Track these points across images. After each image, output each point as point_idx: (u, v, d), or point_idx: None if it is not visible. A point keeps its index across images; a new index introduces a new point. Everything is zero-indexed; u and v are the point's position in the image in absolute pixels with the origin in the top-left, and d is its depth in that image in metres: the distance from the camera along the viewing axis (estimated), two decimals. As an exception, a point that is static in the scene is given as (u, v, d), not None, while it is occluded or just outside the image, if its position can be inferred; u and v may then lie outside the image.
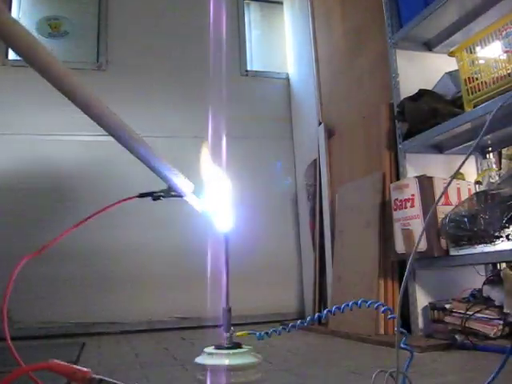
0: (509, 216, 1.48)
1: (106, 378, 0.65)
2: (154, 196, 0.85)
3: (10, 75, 2.97)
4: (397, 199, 1.91)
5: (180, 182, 0.83)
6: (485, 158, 2.03)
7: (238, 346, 0.87)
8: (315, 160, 2.93)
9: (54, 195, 2.91)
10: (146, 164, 0.77)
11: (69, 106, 0.64)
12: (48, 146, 2.97)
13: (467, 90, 1.71)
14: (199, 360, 0.87)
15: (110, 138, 0.70)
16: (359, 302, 0.83)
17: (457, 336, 1.62)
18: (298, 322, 0.88)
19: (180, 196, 0.84)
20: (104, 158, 2.98)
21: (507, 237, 1.49)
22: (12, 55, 3.11)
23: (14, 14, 3.17)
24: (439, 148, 2.06)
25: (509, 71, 1.55)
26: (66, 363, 0.62)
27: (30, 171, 2.88)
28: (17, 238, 2.79)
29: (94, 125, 0.66)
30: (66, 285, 2.79)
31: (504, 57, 1.58)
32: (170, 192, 0.84)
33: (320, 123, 2.94)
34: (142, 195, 0.85)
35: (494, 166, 1.97)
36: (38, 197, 2.89)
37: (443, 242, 1.74)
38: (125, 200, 0.84)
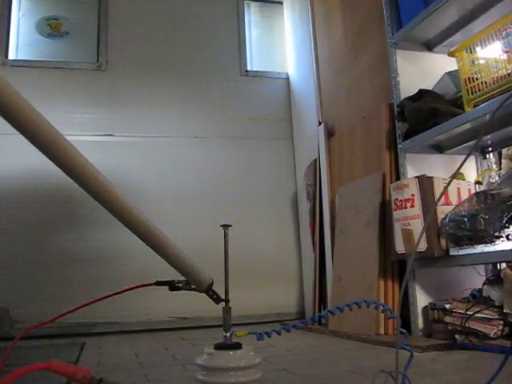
0: (509, 216, 1.48)
1: (106, 378, 0.65)
2: (172, 287, 0.88)
3: (10, 75, 2.97)
4: (397, 199, 1.91)
5: (200, 276, 0.86)
6: (485, 158, 2.03)
7: (238, 346, 0.87)
8: (315, 160, 2.92)
9: (56, 196, 2.91)
10: (169, 262, 0.79)
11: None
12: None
13: (467, 90, 1.71)
14: (199, 360, 0.87)
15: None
16: (359, 302, 0.83)
17: (457, 336, 1.62)
18: (298, 322, 0.88)
19: (199, 291, 0.88)
20: (106, 158, 2.97)
21: (507, 237, 1.49)
22: (12, 55, 3.11)
23: (14, 14, 3.17)
24: (439, 148, 2.06)
25: (509, 71, 1.55)
26: (66, 363, 0.62)
27: (30, 171, 2.87)
28: (20, 240, 2.79)
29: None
30: (66, 285, 2.80)
31: (504, 57, 1.58)
32: (190, 285, 0.87)
33: (320, 123, 2.94)
34: (159, 283, 0.89)
35: (494, 165, 1.97)
36: (41, 197, 2.88)
37: (443, 241, 1.74)
38: (144, 285, 0.89)
